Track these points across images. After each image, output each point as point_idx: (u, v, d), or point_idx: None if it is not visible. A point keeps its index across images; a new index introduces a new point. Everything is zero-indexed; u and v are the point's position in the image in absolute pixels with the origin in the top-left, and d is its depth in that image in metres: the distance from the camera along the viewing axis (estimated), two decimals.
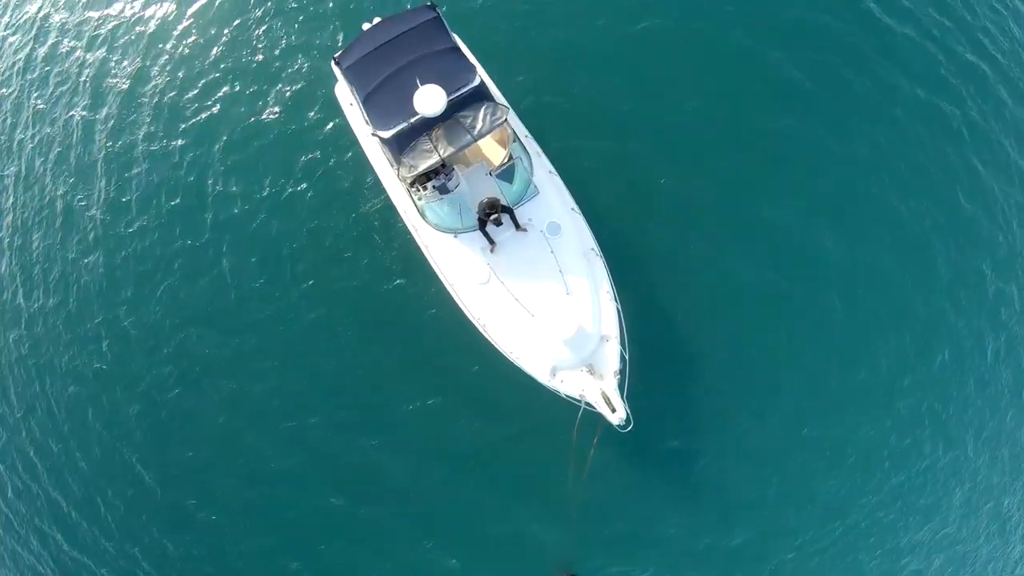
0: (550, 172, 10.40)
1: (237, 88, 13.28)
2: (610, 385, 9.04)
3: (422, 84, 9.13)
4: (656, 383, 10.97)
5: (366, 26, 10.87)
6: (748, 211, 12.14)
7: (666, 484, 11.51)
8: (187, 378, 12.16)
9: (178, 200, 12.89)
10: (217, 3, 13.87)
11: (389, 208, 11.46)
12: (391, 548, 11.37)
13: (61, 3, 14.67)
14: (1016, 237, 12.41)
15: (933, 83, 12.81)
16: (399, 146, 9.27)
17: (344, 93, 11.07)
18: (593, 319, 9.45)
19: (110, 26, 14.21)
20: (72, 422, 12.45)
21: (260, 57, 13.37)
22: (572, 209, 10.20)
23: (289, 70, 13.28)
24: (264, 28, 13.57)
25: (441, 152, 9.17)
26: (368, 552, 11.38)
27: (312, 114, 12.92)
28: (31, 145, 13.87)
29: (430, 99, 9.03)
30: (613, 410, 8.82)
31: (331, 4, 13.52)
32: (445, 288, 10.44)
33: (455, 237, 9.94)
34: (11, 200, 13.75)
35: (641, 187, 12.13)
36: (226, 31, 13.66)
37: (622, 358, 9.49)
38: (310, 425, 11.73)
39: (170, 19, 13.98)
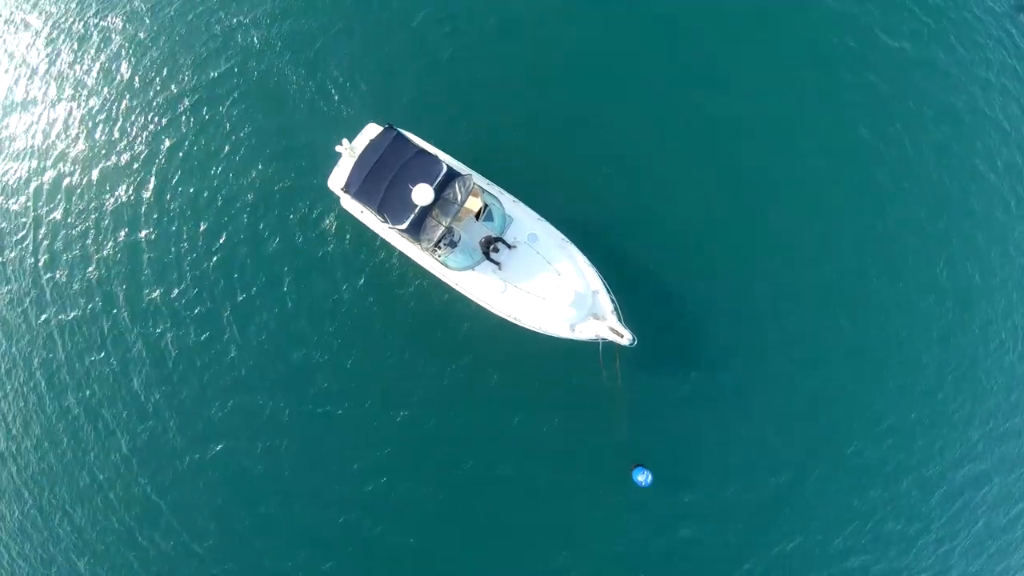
0: (513, 201, 14.59)
1: (260, 221, 16.79)
2: (612, 320, 13.47)
3: (412, 185, 13.19)
4: (644, 307, 15.00)
5: (339, 148, 14.80)
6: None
7: (679, 374, 15.65)
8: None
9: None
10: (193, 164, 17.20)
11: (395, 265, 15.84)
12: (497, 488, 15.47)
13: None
14: None
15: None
16: (415, 231, 13.38)
17: (352, 206, 15.06)
18: (583, 283, 13.77)
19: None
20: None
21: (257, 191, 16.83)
22: (538, 219, 14.44)
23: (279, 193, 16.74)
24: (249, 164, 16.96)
25: (443, 223, 13.27)
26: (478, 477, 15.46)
27: (321, 222, 16.61)
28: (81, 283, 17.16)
29: (423, 194, 13.08)
30: (621, 336, 13.22)
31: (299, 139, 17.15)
32: (478, 305, 14.63)
33: (473, 270, 14.15)
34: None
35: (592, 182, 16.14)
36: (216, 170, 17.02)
37: (612, 300, 13.84)
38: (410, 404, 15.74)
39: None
